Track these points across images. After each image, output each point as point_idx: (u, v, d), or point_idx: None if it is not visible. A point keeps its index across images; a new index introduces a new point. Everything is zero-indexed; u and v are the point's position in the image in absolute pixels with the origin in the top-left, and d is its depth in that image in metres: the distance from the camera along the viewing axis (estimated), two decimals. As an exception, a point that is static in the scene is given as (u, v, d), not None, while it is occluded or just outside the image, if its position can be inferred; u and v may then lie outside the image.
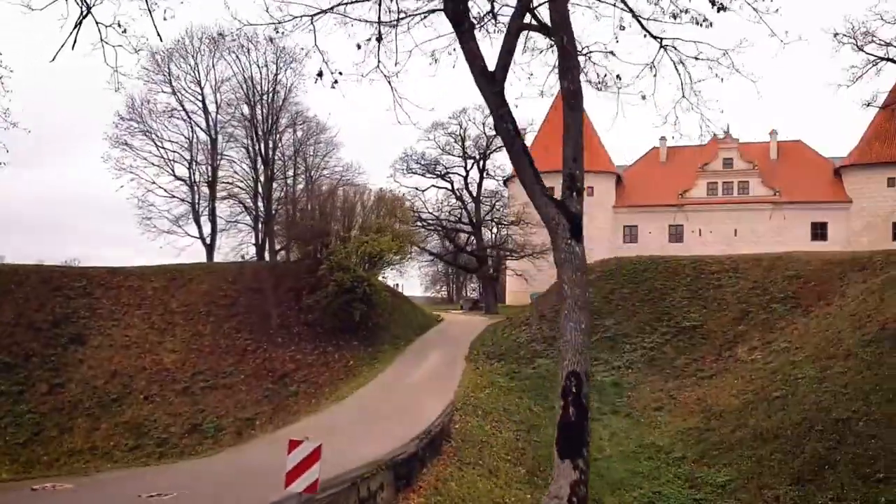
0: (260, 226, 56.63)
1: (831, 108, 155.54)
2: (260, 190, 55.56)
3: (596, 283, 35.98)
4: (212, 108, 53.78)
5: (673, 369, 29.10)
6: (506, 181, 74.24)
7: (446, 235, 67.73)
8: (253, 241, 55.84)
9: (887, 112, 71.60)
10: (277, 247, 51.26)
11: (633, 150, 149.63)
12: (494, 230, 73.01)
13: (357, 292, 36.18)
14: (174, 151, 53.62)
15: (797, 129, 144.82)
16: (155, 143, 52.53)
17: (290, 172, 57.23)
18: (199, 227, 54.50)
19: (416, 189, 65.78)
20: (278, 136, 55.29)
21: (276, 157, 55.63)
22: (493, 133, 65.05)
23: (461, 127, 64.99)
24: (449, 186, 66.66)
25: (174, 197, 53.78)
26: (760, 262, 33.90)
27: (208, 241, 54.44)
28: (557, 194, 12.84)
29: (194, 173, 54.36)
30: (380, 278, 37.25)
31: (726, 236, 73.81)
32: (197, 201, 54.50)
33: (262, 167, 53.78)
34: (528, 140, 78.14)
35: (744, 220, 72.78)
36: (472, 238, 68.32)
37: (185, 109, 53.12)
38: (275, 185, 54.58)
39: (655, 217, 76.03)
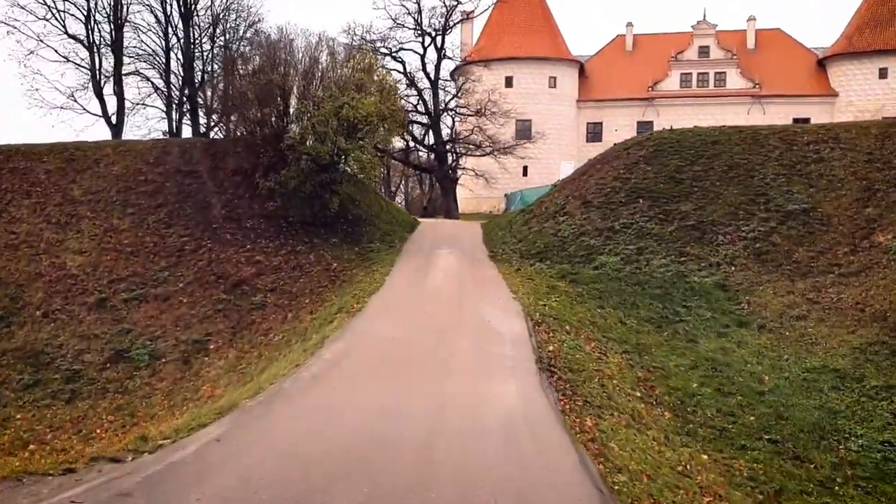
0: (174, 110, 45.54)
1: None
2: (174, 66, 44.19)
3: (652, 159, 27.80)
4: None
5: (795, 265, 21.51)
6: (453, 72, 64.28)
7: (401, 127, 57.43)
8: (165, 128, 44.93)
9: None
10: (207, 124, 40.46)
11: (593, 41, 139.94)
12: (451, 123, 62.54)
13: (337, 170, 26.70)
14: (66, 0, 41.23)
15: (774, 17, 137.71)
16: (36, -16, 39.97)
17: (207, 47, 45.87)
18: (103, 103, 42.57)
19: (361, 70, 54.81)
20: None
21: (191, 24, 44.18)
22: (454, 2, 54.63)
23: (416, -6, 53.34)
24: (400, 68, 54.97)
25: (68, 60, 41.71)
26: (867, 129, 26.42)
27: (114, 120, 42.76)
28: None
29: (93, 32, 42.10)
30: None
31: (700, 133, 66.48)
32: (98, 69, 42.48)
33: (181, 25, 42.19)
34: (479, 25, 68.44)
35: (720, 115, 65.78)
36: (429, 131, 58.09)
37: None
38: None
39: (622, 112, 68.73)
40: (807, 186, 24.48)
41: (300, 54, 30.56)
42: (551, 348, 15.57)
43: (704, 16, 67.14)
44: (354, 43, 51.83)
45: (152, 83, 45.44)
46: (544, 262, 24.21)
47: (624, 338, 18.09)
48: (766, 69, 66.76)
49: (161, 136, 41.44)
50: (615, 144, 30.74)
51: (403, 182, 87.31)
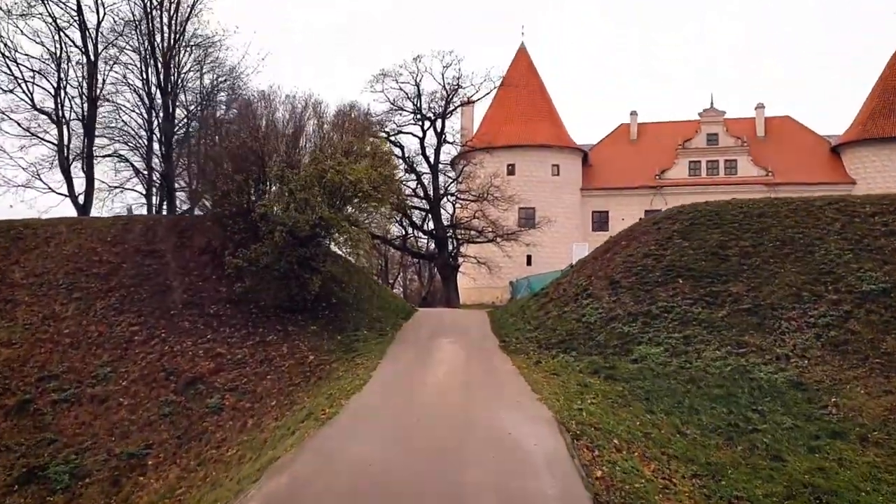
0: (154, 193, 41.97)
1: (817, 85, 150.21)
2: (155, 146, 40.76)
3: (689, 233, 23.72)
4: (92, 17, 38.64)
5: (886, 358, 17.05)
6: (454, 160, 61.22)
7: (398, 211, 53.48)
8: (144, 212, 41.12)
9: (891, 83, 64.05)
10: (191, 207, 36.44)
11: (597, 130, 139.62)
12: (451, 209, 58.59)
13: (319, 245, 22.51)
14: (34, 70, 38.01)
15: (781, 105, 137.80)
16: (3, 55, 36.81)
17: (193, 125, 42.59)
18: (69, 181, 38.79)
19: (358, 154, 51.11)
20: (179, 68, 40.54)
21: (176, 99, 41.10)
22: (454, 87, 51.86)
23: (415, 78, 50.53)
24: (399, 152, 51.53)
25: (33, 135, 38.13)
26: (941, 199, 22.66)
27: (81, 200, 38.83)
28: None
29: (62, 104, 38.74)
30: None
31: (711, 222, 62.62)
32: (66, 145, 38.90)
33: (160, 96, 38.84)
34: (479, 111, 66.24)
35: (733, 203, 63.34)
36: (428, 217, 54.07)
37: (51, 14, 37.64)
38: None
39: (629, 200, 65.66)
40: (881, 264, 20.28)
41: (283, 119, 26.97)
42: (600, 473, 10.95)
43: (712, 103, 64.86)
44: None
45: (133, 166, 42.04)
46: (569, 352, 19.67)
47: (689, 455, 13.42)
48: (778, 156, 64.44)
49: (124, 213, 37.44)
50: (641, 219, 26.83)
51: (402, 273, 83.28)
